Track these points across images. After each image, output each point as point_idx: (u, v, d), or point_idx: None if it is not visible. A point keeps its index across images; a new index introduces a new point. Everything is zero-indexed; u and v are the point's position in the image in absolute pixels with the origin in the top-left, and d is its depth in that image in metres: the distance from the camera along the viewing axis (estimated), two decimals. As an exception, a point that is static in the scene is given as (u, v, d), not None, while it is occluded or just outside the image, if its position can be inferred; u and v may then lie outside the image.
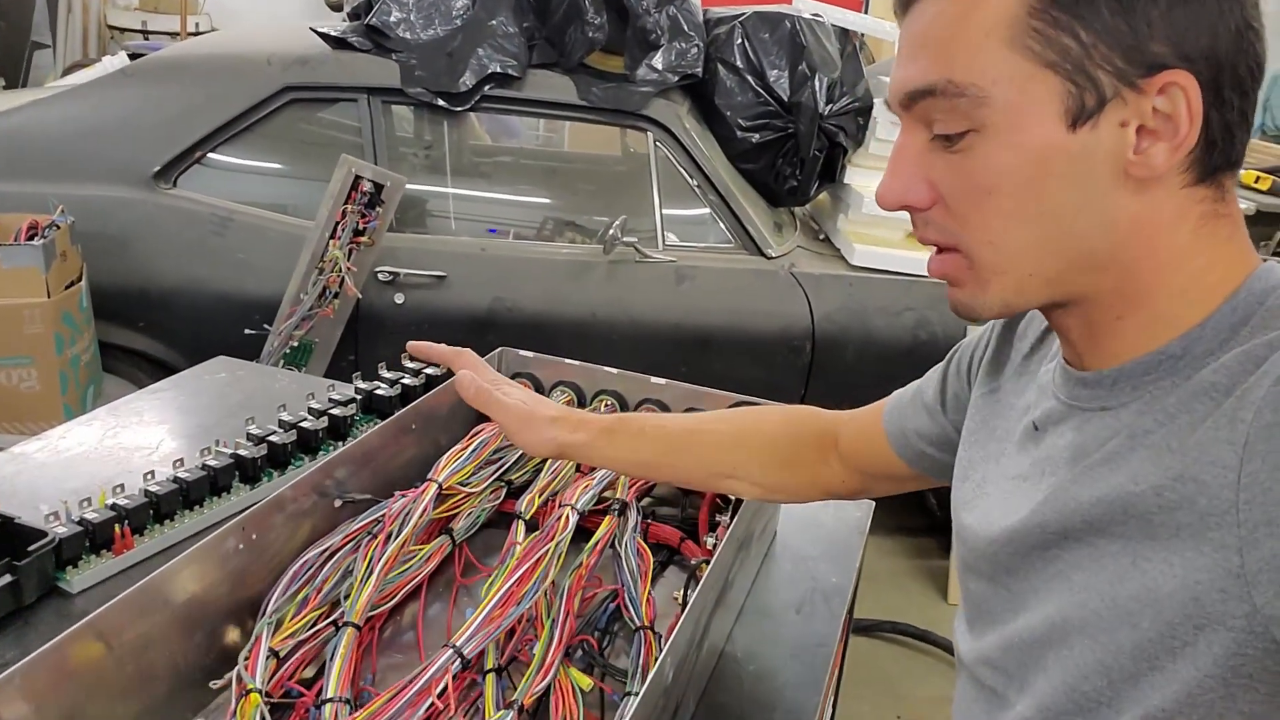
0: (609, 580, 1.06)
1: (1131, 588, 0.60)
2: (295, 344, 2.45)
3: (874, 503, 1.33)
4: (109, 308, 2.47)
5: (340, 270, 2.37)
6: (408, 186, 2.49)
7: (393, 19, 2.67)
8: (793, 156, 2.75)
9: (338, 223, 2.36)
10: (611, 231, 2.54)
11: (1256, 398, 0.55)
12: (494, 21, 2.68)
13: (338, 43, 2.65)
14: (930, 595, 2.88)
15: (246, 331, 2.39)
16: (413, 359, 1.45)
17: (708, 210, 2.70)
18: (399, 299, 2.55)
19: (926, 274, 0.70)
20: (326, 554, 0.97)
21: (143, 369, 2.59)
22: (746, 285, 2.66)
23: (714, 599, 0.93)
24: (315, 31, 2.70)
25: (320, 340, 2.49)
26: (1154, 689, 0.59)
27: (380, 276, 2.53)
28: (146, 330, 2.55)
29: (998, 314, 0.68)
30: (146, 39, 4.82)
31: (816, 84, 2.68)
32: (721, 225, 2.70)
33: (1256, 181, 3.58)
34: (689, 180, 2.68)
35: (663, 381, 1.25)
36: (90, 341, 2.36)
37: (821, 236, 2.98)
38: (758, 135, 2.74)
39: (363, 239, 2.40)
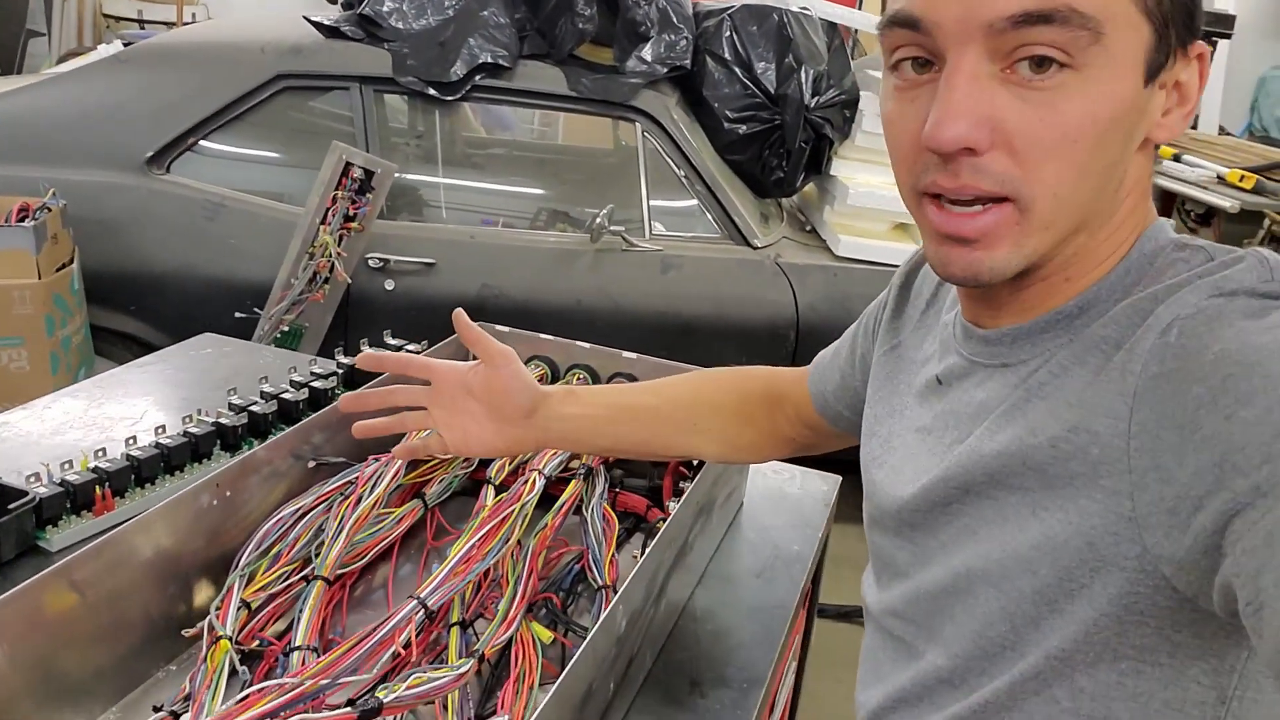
0: (576, 544, 1.09)
1: (1031, 537, 0.62)
2: (286, 328, 2.48)
3: (840, 477, 1.37)
4: (101, 291, 2.50)
5: (330, 256, 2.40)
6: (398, 175, 2.52)
7: (385, 8, 2.70)
8: (779, 148, 2.78)
9: (328, 209, 2.39)
10: (599, 220, 2.57)
11: (1144, 349, 0.57)
12: (485, 12, 2.71)
13: (331, 31, 2.69)
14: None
15: (237, 315, 2.42)
16: (394, 338, 1.49)
17: (695, 201, 2.73)
18: (389, 285, 2.59)
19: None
20: (299, 513, 1.00)
21: (134, 352, 2.62)
22: (732, 274, 2.69)
23: (671, 557, 0.96)
24: (309, 20, 2.73)
25: (311, 325, 2.52)
26: (1054, 631, 0.62)
27: (371, 263, 2.56)
28: (138, 314, 2.58)
29: (1013, 274, 0.63)
30: (142, 28, 4.86)
31: (803, 76, 2.71)
32: (708, 215, 2.74)
33: (1241, 180, 3.62)
34: (676, 171, 2.71)
35: (634, 356, 1.28)
36: (82, 324, 2.39)
37: (808, 228, 3.02)
38: (745, 127, 2.77)
39: (353, 225, 2.43)
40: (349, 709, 0.72)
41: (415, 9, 2.71)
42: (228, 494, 0.94)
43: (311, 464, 1.06)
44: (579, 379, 1.30)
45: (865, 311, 0.94)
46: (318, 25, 2.71)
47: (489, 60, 2.65)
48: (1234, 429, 0.51)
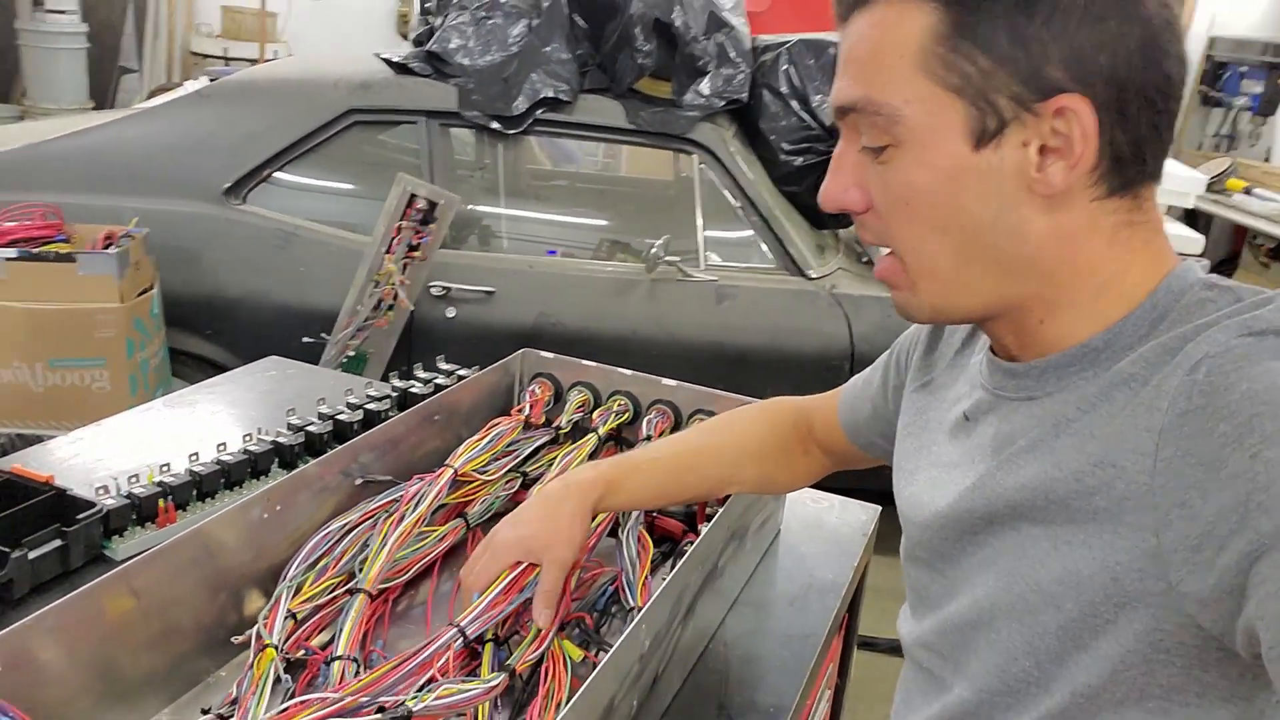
0: (612, 565, 1.12)
1: (1054, 571, 0.63)
2: (352, 353, 2.57)
3: (880, 508, 1.37)
4: (179, 315, 2.61)
5: (394, 284, 2.48)
6: (461, 205, 2.60)
7: (452, 45, 2.79)
8: (835, 180, 2.79)
9: (393, 238, 2.48)
10: (654, 251, 2.62)
11: (1171, 387, 0.59)
12: (548, 48, 2.79)
13: (400, 68, 2.79)
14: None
15: (304, 340, 2.51)
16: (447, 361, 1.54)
17: (750, 231, 2.76)
18: (450, 312, 2.66)
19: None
20: (346, 528, 1.04)
21: (208, 374, 2.71)
22: (786, 305, 2.71)
23: (699, 580, 0.98)
24: (379, 57, 2.84)
25: (375, 350, 2.60)
26: (1080, 668, 0.63)
27: (433, 291, 2.63)
28: (213, 338, 2.69)
29: (929, 318, 0.74)
30: (227, 65, 5.07)
31: (859, 109, 2.73)
32: (763, 246, 2.76)
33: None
34: (732, 202, 2.75)
35: (673, 383, 1.31)
36: (160, 347, 2.50)
37: (865, 259, 3.02)
38: (801, 158, 2.80)
39: (416, 254, 2.51)
40: (379, 715, 0.76)
41: (481, 46, 2.80)
42: (278, 508, 0.99)
43: (359, 481, 1.10)
44: (620, 404, 1.33)
45: (897, 342, 0.96)
46: (388, 62, 2.81)
47: (550, 94, 2.73)
48: (1259, 468, 0.52)
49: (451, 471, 1.12)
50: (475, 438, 1.19)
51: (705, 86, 2.79)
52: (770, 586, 1.18)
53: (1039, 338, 0.69)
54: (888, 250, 0.71)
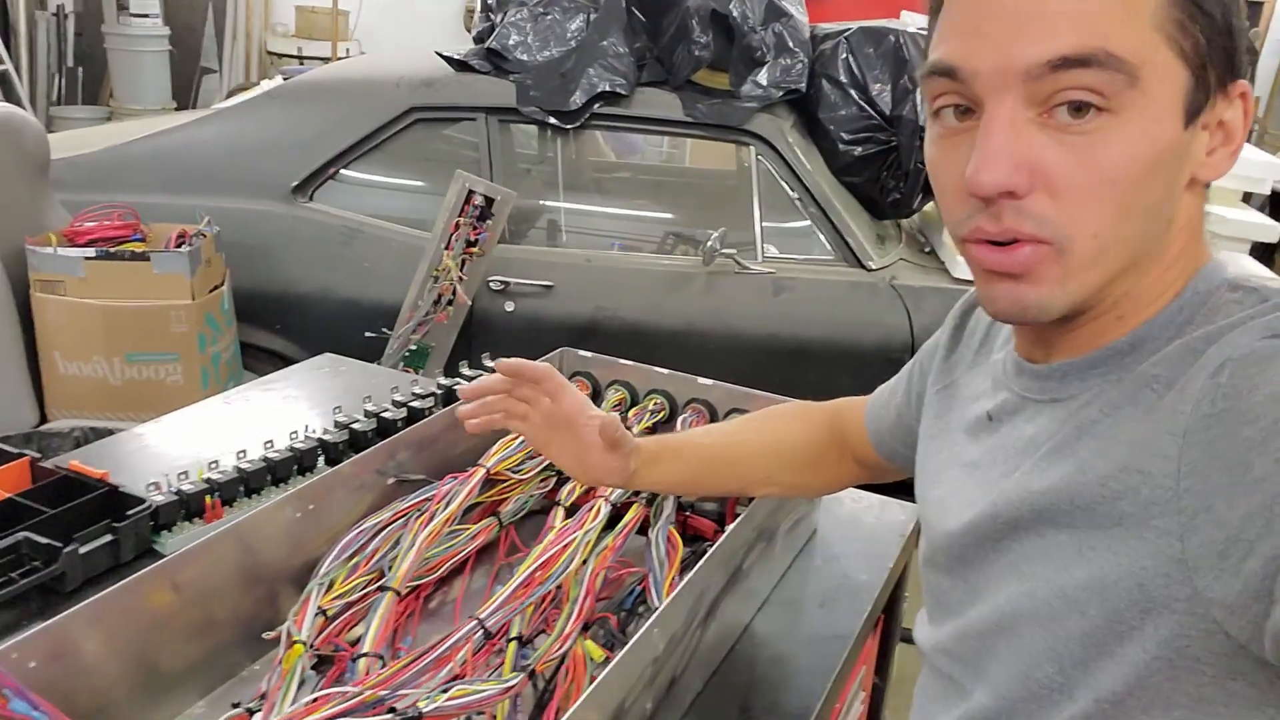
0: (643, 565, 1.13)
1: (1079, 576, 0.61)
2: (413, 347, 2.62)
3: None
4: (250, 311, 2.70)
5: (452, 279, 2.52)
6: (521, 201, 2.63)
7: (511, 42, 2.82)
8: (896, 169, 2.76)
9: (452, 234, 2.52)
10: (710, 243, 2.61)
11: (1195, 390, 0.57)
12: (605, 42, 2.79)
13: (460, 65, 2.82)
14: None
15: (367, 335, 2.56)
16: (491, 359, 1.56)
17: (808, 222, 2.74)
18: (509, 306, 2.69)
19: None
20: (379, 526, 1.07)
21: (279, 367, 2.80)
22: (845, 297, 2.68)
23: (720, 581, 0.99)
24: (440, 55, 2.88)
25: (436, 344, 2.64)
26: (1104, 674, 0.61)
27: (492, 285, 2.67)
28: (282, 332, 2.77)
29: (1061, 314, 0.64)
30: (302, 64, 5.20)
31: (919, 97, 2.68)
32: (822, 237, 2.74)
33: None
34: (790, 193, 2.72)
35: (709, 382, 1.32)
36: (231, 341, 2.59)
37: (927, 249, 2.97)
38: (860, 148, 2.76)
39: (474, 250, 2.55)
40: (390, 715, 0.78)
41: (539, 41, 2.82)
42: (311, 507, 1.02)
43: (391, 480, 1.13)
44: (656, 403, 1.34)
45: (921, 349, 0.95)
46: (448, 60, 2.85)
47: (607, 89, 2.73)
48: None
49: (484, 471, 1.14)
50: (509, 437, 1.21)
51: (763, 77, 2.76)
52: (802, 587, 1.18)
53: (1074, 336, 0.67)
54: (1031, 239, 0.61)
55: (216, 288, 2.50)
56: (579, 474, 0.99)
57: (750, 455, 1.04)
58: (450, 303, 2.57)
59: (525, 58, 2.80)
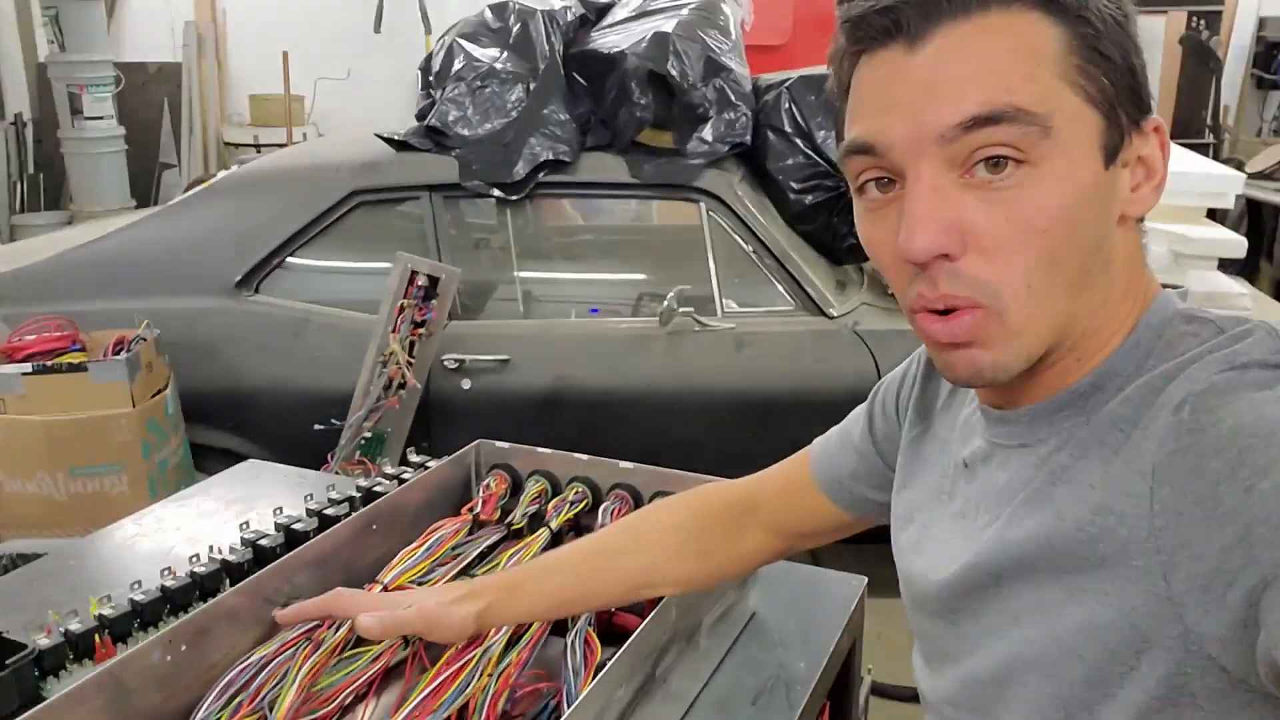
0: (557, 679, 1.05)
1: (1072, 621, 0.61)
2: (368, 435, 2.55)
3: (865, 578, 1.28)
4: (200, 410, 2.64)
5: (400, 362, 2.46)
6: (471, 275, 2.58)
7: (451, 118, 2.79)
8: (847, 214, 2.71)
9: (397, 317, 2.46)
10: (667, 303, 2.56)
11: (1159, 427, 0.58)
12: (546, 110, 2.77)
13: (401, 145, 2.80)
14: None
15: (316, 427, 2.50)
16: (412, 458, 1.49)
17: (765, 275, 2.69)
18: (466, 384, 2.63)
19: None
20: (265, 660, 0.99)
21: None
22: (808, 346, 2.63)
23: (625, 694, 0.91)
24: (380, 137, 2.85)
25: (393, 429, 2.58)
26: (1109, 716, 0.61)
27: (447, 364, 2.61)
28: (236, 430, 2.71)
29: (1022, 369, 0.64)
30: (259, 152, 5.20)
31: (863, 140, 2.64)
32: (780, 288, 2.68)
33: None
34: (744, 246, 2.68)
35: (631, 466, 1.25)
36: (179, 445, 2.52)
37: (890, 291, 2.91)
38: (810, 196, 2.72)
39: (422, 330, 2.49)
40: None
41: (479, 115, 2.80)
42: (182, 648, 0.94)
43: (277, 610, 1.05)
44: (577, 492, 1.26)
45: (880, 388, 0.93)
46: (389, 140, 2.82)
47: (550, 157, 2.71)
48: (1255, 501, 0.52)
49: (380, 588, 1.07)
50: (413, 546, 1.14)
51: (708, 133, 2.73)
52: (736, 684, 1.09)
53: (1037, 382, 0.67)
54: (966, 305, 0.61)
55: (159, 392, 2.44)
56: (433, 639, 0.94)
57: (620, 560, 0.97)
58: (401, 386, 2.51)
59: (466, 132, 2.78)
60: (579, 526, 1.26)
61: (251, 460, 1.66)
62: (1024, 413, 0.68)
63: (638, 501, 1.25)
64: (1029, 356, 0.63)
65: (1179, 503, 0.56)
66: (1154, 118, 0.64)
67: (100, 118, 5.23)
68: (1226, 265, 2.92)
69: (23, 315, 2.51)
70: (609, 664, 0.88)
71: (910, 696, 2.43)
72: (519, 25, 2.91)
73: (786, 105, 2.74)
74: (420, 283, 2.46)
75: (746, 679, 1.10)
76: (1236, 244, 2.46)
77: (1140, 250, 0.67)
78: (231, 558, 1.25)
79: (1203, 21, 4.85)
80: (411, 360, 2.47)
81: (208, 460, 2.69)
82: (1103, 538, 0.59)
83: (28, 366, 2.29)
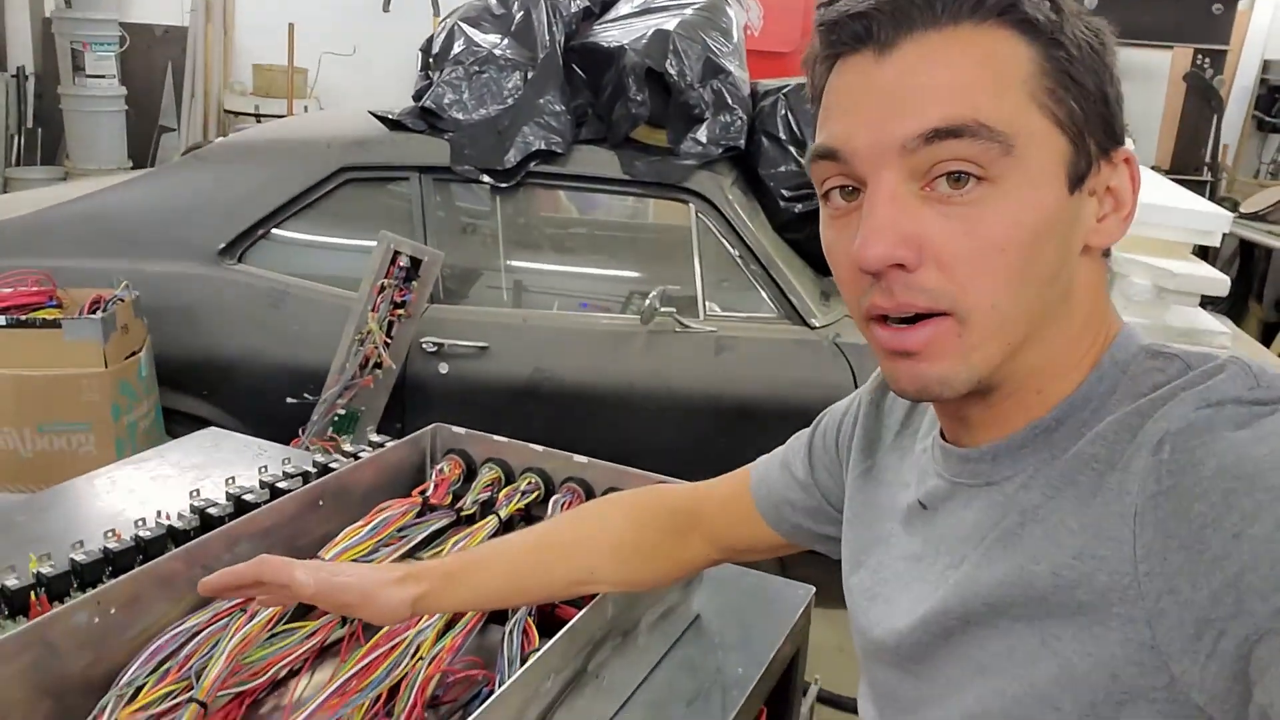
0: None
1: (1048, 671, 0.59)
2: (341, 413, 2.54)
3: (814, 588, 1.28)
4: (175, 376, 2.62)
5: (377, 342, 2.45)
6: (456, 260, 2.57)
7: (446, 101, 2.78)
8: (835, 226, 2.71)
9: (376, 296, 2.45)
10: (649, 302, 2.55)
11: (1139, 469, 0.57)
12: (542, 100, 2.76)
13: (394, 125, 2.78)
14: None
15: (289, 401, 2.49)
16: (376, 438, 1.49)
17: (750, 280, 2.68)
18: (443, 369, 2.62)
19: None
20: (196, 629, 0.99)
21: (207, 434, 2.73)
22: (788, 355, 2.62)
23: (553, 687, 0.90)
24: (373, 115, 2.84)
25: (366, 409, 2.57)
26: None
27: (425, 347, 2.60)
28: (209, 398, 2.69)
29: (967, 389, 0.63)
30: (259, 121, 5.18)
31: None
32: (763, 295, 2.68)
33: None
34: (731, 250, 2.67)
35: (585, 460, 1.24)
36: (150, 408, 2.51)
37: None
38: (801, 205, 2.72)
39: (401, 311, 2.48)
40: None
41: (475, 100, 2.78)
42: (111, 611, 0.94)
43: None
44: (530, 482, 1.26)
45: (822, 420, 0.92)
46: (382, 119, 2.81)
47: (542, 147, 2.69)
48: (1244, 547, 0.51)
49: (320, 563, 1.06)
50: (357, 524, 1.14)
51: (702, 134, 2.72)
52: (670, 683, 1.09)
53: (998, 416, 0.66)
54: (928, 313, 0.61)
55: (134, 354, 2.43)
56: (365, 618, 0.87)
57: (561, 555, 0.95)
58: (378, 366, 2.50)
59: (460, 116, 2.76)
60: (529, 516, 1.25)
61: (213, 428, 1.65)
62: (987, 450, 0.67)
63: (589, 496, 1.24)
64: (979, 376, 0.62)
65: (1164, 547, 0.54)
66: (1125, 149, 0.63)
67: (102, 76, 5.21)
68: (1212, 304, 2.93)
69: (4, 269, 2.49)
70: (538, 654, 0.87)
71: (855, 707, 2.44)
72: (522, 13, 2.91)
73: (783, 112, 2.74)
74: (402, 263, 2.45)
75: (684, 680, 1.10)
76: (1220, 283, 2.47)
77: (1104, 283, 0.66)
78: (178, 524, 1.24)
79: (1207, 60, 4.85)
80: (389, 340, 2.46)
81: (180, 426, 2.67)
82: (1081, 583, 0.57)
83: (1, 319, 2.28)
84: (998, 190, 0.59)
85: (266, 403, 2.58)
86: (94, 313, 2.35)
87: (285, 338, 2.64)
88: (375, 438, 1.48)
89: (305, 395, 2.49)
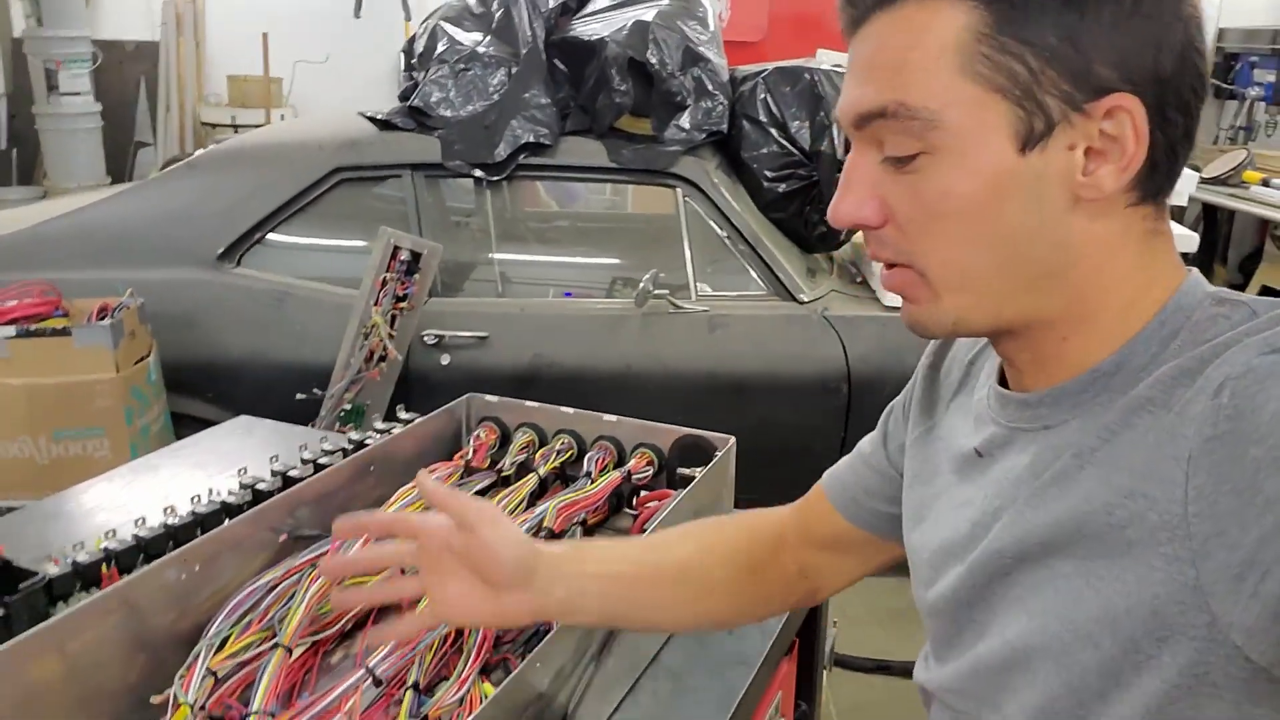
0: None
1: (1090, 608, 0.61)
2: (348, 407, 2.60)
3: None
4: (180, 381, 2.66)
5: (382, 335, 2.51)
6: (452, 254, 2.63)
7: (434, 99, 2.84)
8: (818, 203, 2.80)
9: (379, 290, 2.51)
10: (642, 285, 2.63)
11: (1196, 412, 0.57)
12: (527, 94, 2.83)
13: (384, 124, 2.84)
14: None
15: (299, 397, 2.54)
16: (407, 411, 1.55)
17: (739, 260, 2.76)
18: (445, 360, 2.68)
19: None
20: (271, 584, 1.05)
21: (214, 437, 2.78)
22: (779, 331, 2.70)
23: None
24: (363, 115, 2.90)
25: (372, 402, 2.62)
26: (1123, 704, 0.61)
27: (427, 339, 2.66)
28: (215, 400, 2.74)
29: (949, 331, 0.69)
30: (236, 132, 5.21)
31: (836, 132, 2.73)
32: (752, 273, 2.76)
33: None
34: (719, 232, 2.76)
35: (614, 419, 1.32)
36: (160, 412, 2.55)
37: (859, 279, 3.00)
38: (783, 185, 2.80)
39: (403, 305, 2.55)
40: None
41: (462, 97, 2.85)
42: (195, 568, 1.00)
43: (283, 537, 1.11)
44: (564, 443, 1.33)
45: (891, 409, 0.92)
46: (371, 119, 2.87)
47: (531, 139, 2.76)
48: None
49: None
50: (408, 486, 1.20)
51: (685, 120, 2.81)
52: (712, 616, 1.17)
53: (1055, 360, 0.67)
54: (895, 264, 0.68)
55: (142, 359, 2.47)
56: (484, 616, 0.81)
57: (681, 568, 0.91)
58: (382, 359, 2.56)
59: (448, 113, 2.83)
60: (565, 475, 1.33)
61: (244, 416, 1.71)
62: (1047, 394, 0.67)
63: (620, 453, 1.32)
64: (958, 319, 0.66)
65: (1215, 490, 0.55)
66: (1112, 97, 0.60)
67: (77, 94, 5.21)
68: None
69: (3, 283, 2.53)
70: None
71: (870, 668, 2.54)
72: (501, 11, 2.98)
73: (762, 96, 2.82)
74: (403, 257, 2.51)
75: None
76: (1189, 239, 2.58)
77: (1145, 231, 0.65)
78: (231, 499, 1.30)
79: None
80: (393, 333, 2.52)
81: (187, 430, 2.70)
82: (1131, 522, 0.58)
83: (11, 330, 2.32)
84: (935, 160, 0.62)
85: (272, 402, 2.62)
86: (101, 320, 2.40)
87: (288, 337, 2.69)
88: (405, 415, 1.55)
89: (315, 391, 2.54)
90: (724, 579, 0.93)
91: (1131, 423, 0.61)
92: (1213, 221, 5.27)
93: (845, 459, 0.96)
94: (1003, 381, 0.73)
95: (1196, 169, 4.73)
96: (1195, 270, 0.67)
